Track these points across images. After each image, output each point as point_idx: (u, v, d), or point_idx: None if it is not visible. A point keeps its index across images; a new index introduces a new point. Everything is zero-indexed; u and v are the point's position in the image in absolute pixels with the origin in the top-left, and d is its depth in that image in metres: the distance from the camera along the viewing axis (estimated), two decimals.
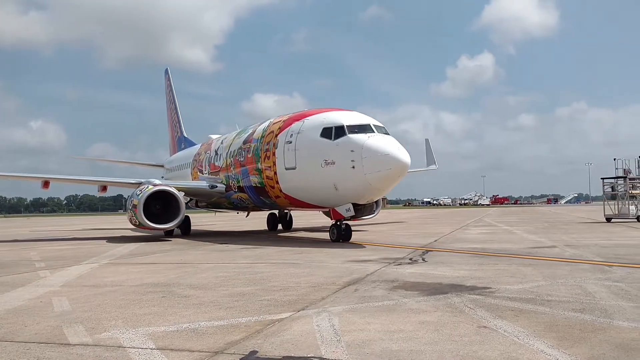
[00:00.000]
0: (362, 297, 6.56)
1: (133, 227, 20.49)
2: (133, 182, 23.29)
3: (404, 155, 14.66)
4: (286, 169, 16.92)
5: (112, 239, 21.28)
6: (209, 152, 25.31)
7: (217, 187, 22.58)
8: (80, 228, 35.16)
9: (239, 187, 20.97)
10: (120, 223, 45.28)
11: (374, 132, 15.34)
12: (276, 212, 25.81)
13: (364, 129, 15.50)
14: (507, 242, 15.18)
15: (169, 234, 21.66)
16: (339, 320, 5.27)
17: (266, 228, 26.39)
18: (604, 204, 29.54)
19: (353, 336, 4.65)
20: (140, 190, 19.70)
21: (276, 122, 18.90)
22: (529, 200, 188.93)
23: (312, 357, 4.08)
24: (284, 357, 4.10)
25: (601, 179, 30.07)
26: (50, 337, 4.91)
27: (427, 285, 7.45)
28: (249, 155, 19.69)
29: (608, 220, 27.21)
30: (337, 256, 11.78)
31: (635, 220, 26.43)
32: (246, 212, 26.68)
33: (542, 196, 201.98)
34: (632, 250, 11.85)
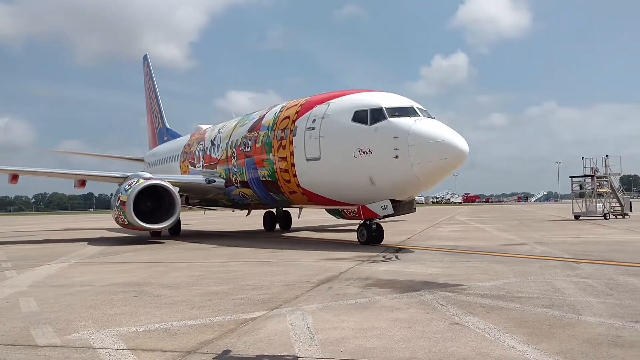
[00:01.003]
0: (336, 295, 6.57)
1: (119, 226, 18.04)
2: (118, 175, 20.68)
3: (462, 143, 12.23)
4: (307, 159, 14.47)
5: (82, 239, 20.88)
6: (202, 142, 22.53)
7: (215, 181, 19.98)
8: (50, 228, 34.44)
9: (242, 181, 18.44)
10: (91, 222, 44.52)
11: (418, 115, 13.04)
12: (273, 210, 23.67)
13: (406, 111, 13.17)
14: (479, 239, 15.38)
15: (156, 235, 19.48)
16: (313, 319, 5.27)
17: (262, 228, 24.35)
18: (572, 202, 30.20)
19: (327, 334, 4.66)
20: (129, 185, 17.17)
21: (291, 106, 16.39)
22: (500, 199, 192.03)
23: (286, 355, 4.07)
24: (257, 356, 4.08)
25: (570, 177, 30.81)
26: (17, 338, 4.79)
27: (400, 282, 7.51)
28: (257, 145, 17.15)
29: (576, 218, 27.82)
30: (311, 254, 11.78)
31: (602, 217, 27.07)
32: (247, 211, 23.51)
33: (512, 194, 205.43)
34: (599, 247, 12.13)
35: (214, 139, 21.31)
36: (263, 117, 17.83)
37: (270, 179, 16.55)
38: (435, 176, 12.70)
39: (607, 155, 29.02)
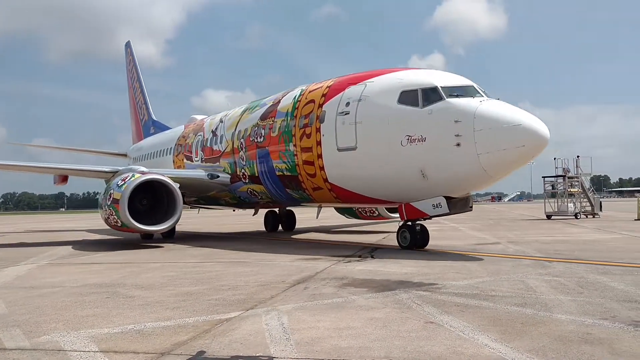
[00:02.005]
0: (312, 295, 6.56)
1: (109, 228, 15.85)
2: (107, 170, 18.70)
3: (542, 127, 10.28)
4: (339, 149, 12.46)
5: (54, 239, 20.48)
6: (200, 133, 20.07)
7: (218, 177, 17.64)
8: (22, 229, 33.73)
9: (251, 176, 16.24)
10: (63, 222, 43.72)
11: (482, 95, 11.19)
12: (276, 209, 21.86)
13: (466, 91, 11.27)
14: (454, 239, 15.53)
15: (148, 237, 17.60)
16: (289, 319, 5.25)
17: (257, 228, 23.06)
18: (544, 201, 30.72)
19: (302, 334, 4.65)
20: (123, 180, 14.92)
21: (316, 89, 14.27)
22: (474, 198, 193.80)
23: (261, 356, 4.05)
24: (232, 356, 4.05)
25: (542, 177, 31.30)
26: None
27: (375, 282, 7.53)
28: (273, 134, 15.01)
29: (548, 217, 28.30)
30: (287, 254, 11.75)
31: (574, 217, 27.59)
32: (253, 210, 21.44)
33: (486, 194, 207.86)
34: (570, 246, 12.36)
35: (216, 129, 18.89)
36: (278, 102, 15.69)
37: (288, 173, 14.50)
38: (506, 168, 10.76)
39: (578, 156, 29.61)
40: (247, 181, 16.68)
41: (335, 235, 18.19)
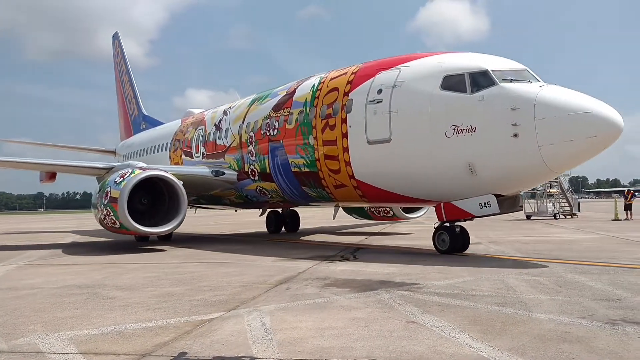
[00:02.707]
0: (294, 296, 6.56)
1: (101, 229, 14.70)
2: (101, 166, 17.28)
3: (616, 115, 9.11)
4: (370, 142, 11.27)
5: (34, 240, 20.17)
6: (201, 127, 18.55)
7: (224, 174, 16.20)
8: (0, 230, 33.18)
9: (262, 173, 14.93)
10: (43, 222, 43.08)
11: (538, 80, 10.04)
12: (279, 209, 20.59)
13: (521, 76, 10.13)
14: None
15: (143, 240, 16.21)
16: (271, 319, 5.25)
17: (257, 229, 21.88)
18: (524, 202, 31.07)
19: (285, 334, 4.65)
20: (121, 177, 13.56)
21: (338, 76, 12.99)
22: None
23: (243, 356, 4.04)
24: (214, 357, 4.04)
25: None
26: None
27: (357, 282, 7.56)
28: (289, 127, 13.72)
29: (528, 217, 28.62)
30: (269, 255, 11.73)
31: (553, 217, 27.96)
32: (259, 210, 20.04)
33: None
34: (549, 246, 12.52)
35: (219, 122, 17.42)
36: (293, 91, 14.38)
37: (306, 169, 13.22)
38: (572, 161, 9.75)
39: None
40: (256, 178, 15.32)
41: (346, 237, 17.49)
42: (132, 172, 13.70)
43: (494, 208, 10.05)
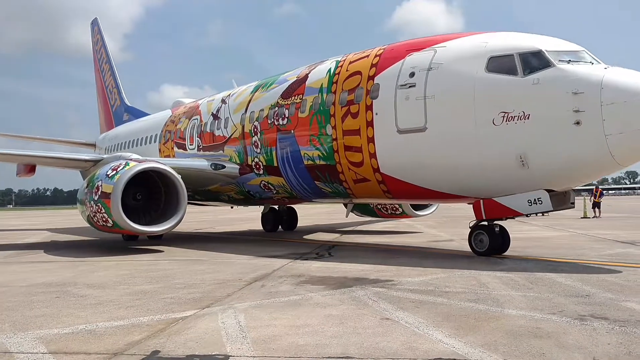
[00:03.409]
0: (269, 293, 6.54)
1: (94, 229, 13.13)
2: (87, 158, 16.07)
3: None
4: (400, 131, 10.16)
5: (3, 238, 19.71)
6: (196, 117, 17.13)
7: (224, 167, 14.96)
8: None
9: (268, 166, 13.74)
10: (13, 219, 42.12)
11: (599, 62, 9.02)
12: (276, 206, 19.40)
13: (579, 57, 9.06)
14: (409, 236, 15.76)
15: (131, 239, 15.03)
16: (245, 317, 5.22)
17: (251, 227, 20.87)
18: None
19: (259, 332, 4.63)
20: (114, 170, 12.28)
21: (359, 59, 11.87)
22: None
23: (217, 355, 4.01)
24: (187, 356, 4.00)
25: None
26: None
27: (333, 279, 7.57)
28: (302, 115, 12.53)
29: None
30: (243, 252, 11.67)
31: (526, 215, 28.38)
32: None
33: None
34: (521, 243, 12.72)
35: (217, 111, 16.16)
36: (305, 76, 13.16)
37: (322, 162, 12.04)
38: None
39: None
40: (261, 172, 14.13)
41: (379, 237, 16.96)
42: (126, 164, 12.44)
43: (546, 205, 9.07)
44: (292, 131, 12.78)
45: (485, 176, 9.49)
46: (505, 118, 8.92)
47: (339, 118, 11.50)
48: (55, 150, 27.01)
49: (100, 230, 12.86)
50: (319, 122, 12.02)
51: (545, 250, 11.00)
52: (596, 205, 26.93)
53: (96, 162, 15.19)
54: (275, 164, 13.45)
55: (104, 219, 12.10)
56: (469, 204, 10.43)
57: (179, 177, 12.80)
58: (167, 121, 19.36)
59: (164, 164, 13.21)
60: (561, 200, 9.43)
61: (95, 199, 12.12)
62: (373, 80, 10.98)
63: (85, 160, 16.15)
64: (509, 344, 4.13)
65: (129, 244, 14.49)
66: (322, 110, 11.98)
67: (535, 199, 9.14)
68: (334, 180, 12.06)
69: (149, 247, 13.59)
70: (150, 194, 13.42)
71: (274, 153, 13.42)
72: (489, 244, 9.90)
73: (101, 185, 12.12)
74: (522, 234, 16.16)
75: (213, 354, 4.03)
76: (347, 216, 17.13)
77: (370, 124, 10.82)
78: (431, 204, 17.06)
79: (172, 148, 18.06)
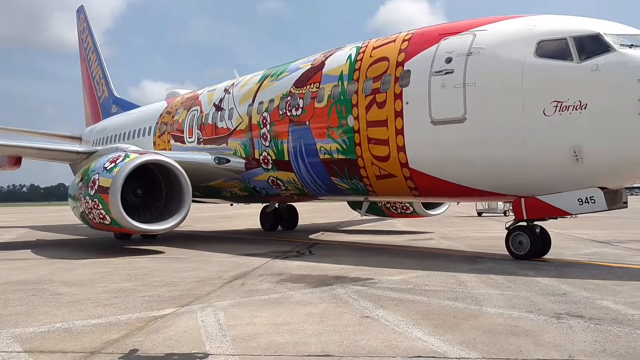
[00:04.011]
0: (249, 291, 6.52)
1: (87, 226, 12.22)
2: (80, 150, 15.12)
3: None
4: (435, 122, 9.37)
5: None
6: (196, 108, 16.17)
7: (228, 162, 14.01)
8: None
9: (278, 160, 12.88)
10: None
11: None
12: (276, 204, 18.38)
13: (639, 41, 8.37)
14: (389, 234, 15.83)
15: (124, 238, 14.16)
16: (225, 315, 5.20)
17: (250, 226, 19.93)
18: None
19: (239, 330, 4.61)
20: (113, 162, 11.31)
21: (384, 44, 11.02)
22: None
23: (196, 353, 3.98)
24: (166, 354, 3.97)
25: None
26: None
27: (313, 277, 7.57)
28: (319, 105, 11.66)
29: (479, 214, 29.32)
30: (223, 250, 11.61)
31: (503, 214, 28.72)
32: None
33: None
34: (500, 242, 12.80)
35: (220, 101, 15.26)
36: (322, 63, 12.26)
37: (341, 156, 11.19)
38: None
39: None
40: (269, 167, 13.23)
41: (359, 235, 16.69)
42: (126, 156, 11.49)
43: (600, 204, 8.30)
44: (307, 122, 11.94)
45: (531, 172, 8.70)
46: (558, 108, 8.18)
47: (363, 108, 10.66)
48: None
49: (95, 228, 12.00)
50: (338, 112, 11.17)
51: None
52: None
53: (89, 155, 14.36)
54: (286, 158, 12.60)
55: (100, 216, 11.12)
56: (505, 202, 10.00)
57: (183, 171, 11.83)
58: (163, 112, 18.28)
59: (167, 157, 12.24)
60: (613, 199, 8.64)
61: (92, 194, 11.13)
62: (402, 67, 10.13)
63: (78, 152, 15.17)
64: (487, 342, 4.17)
65: (123, 243, 13.77)
66: (343, 99, 11.12)
67: (587, 198, 8.37)
68: (354, 176, 11.20)
69: (130, 246, 13.45)
70: (149, 190, 12.46)
71: (285, 146, 12.57)
72: (531, 246, 9.18)
73: (98, 179, 11.10)
74: (501, 233, 16.32)
75: (192, 352, 4.01)
76: (362, 215, 16.17)
77: (399, 114, 9.97)
78: (443, 203, 16.46)
79: (169, 141, 17.06)
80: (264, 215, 19.10)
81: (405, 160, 9.97)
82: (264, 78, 14.12)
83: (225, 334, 4.49)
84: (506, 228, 9.64)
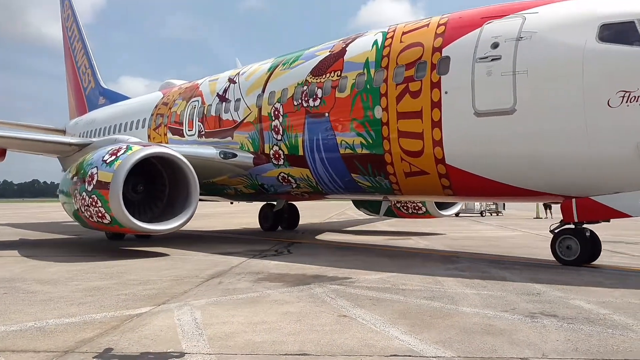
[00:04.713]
0: (226, 290, 6.49)
1: (81, 224, 11.26)
2: (73, 142, 14.08)
3: None
4: (479, 113, 8.51)
5: None
6: (197, 99, 15.15)
7: (235, 156, 13.02)
8: None
9: (291, 155, 11.95)
10: None
11: None
12: (274, 202, 17.29)
13: None
14: (367, 233, 15.89)
15: (117, 238, 13.31)
16: (202, 314, 5.16)
17: (247, 226, 19.05)
18: None
19: (216, 329, 4.58)
20: (113, 155, 10.27)
21: (416, 29, 10.15)
22: None
23: (172, 352, 3.95)
24: (142, 353, 3.92)
25: None
26: None
27: (291, 276, 7.56)
28: (341, 94, 10.74)
29: (456, 215, 29.55)
30: (201, 248, 11.54)
31: (479, 215, 29.09)
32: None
33: None
34: (476, 242, 13.01)
35: (224, 92, 14.23)
36: (343, 50, 11.34)
37: (364, 151, 10.33)
38: None
39: None
40: (281, 162, 12.30)
41: (362, 236, 16.36)
42: (128, 148, 10.46)
43: None
44: (327, 114, 11.00)
45: (589, 170, 7.91)
46: (625, 98, 7.37)
47: (393, 98, 9.74)
48: None
49: (91, 227, 10.96)
50: (364, 102, 10.26)
51: (499, 249, 11.28)
52: (548, 206, 27.73)
53: (83, 147, 13.34)
54: (301, 153, 11.66)
55: (99, 214, 10.04)
56: (553, 203, 9.13)
57: (190, 166, 10.80)
58: (158, 104, 17.16)
59: (171, 149, 11.30)
60: None
61: (89, 189, 10.05)
62: (440, 53, 9.27)
63: (70, 144, 14.07)
64: (462, 341, 4.22)
65: (116, 243, 12.84)
66: (369, 88, 10.20)
67: None
68: (378, 172, 10.30)
69: (111, 244, 13.27)
70: (148, 186, 11.46)
71: (299, 140, 11.63)
72: (581, 251, 8.44)
73: (97, 173, 10.05)
74: (477, 233, 16.53)
75: (168, 351, 3.97)
76: (381, 215, 15.61)
77: (436, 104, 9.10)
78: (456, 203, 15.72)
79: (165, 134, 15.95)
80: (263, 215, 18.33)
81: (441, 155, 9.11)
82: (274, 66, 13.11)
83: (202, 333, 4.46)
84: (551, 231, 8.88)
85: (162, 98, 17.35)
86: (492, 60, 8.47)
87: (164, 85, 19.40)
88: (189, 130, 15.04)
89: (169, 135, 15.85)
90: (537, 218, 25.97)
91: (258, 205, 18.97)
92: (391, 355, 3.87)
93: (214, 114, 14.23)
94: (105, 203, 9.82)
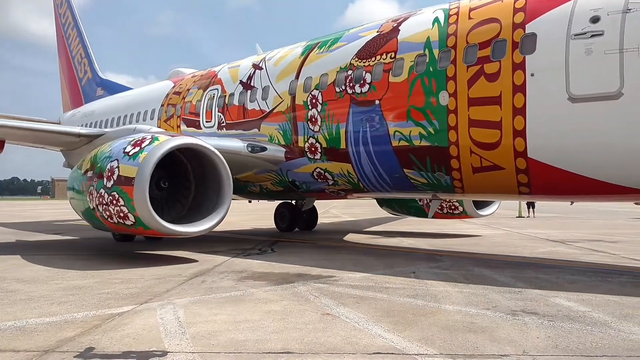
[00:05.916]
0: (209, 289, 6.46)
1: (94, 226, 10.04)
2: (83, 132, 12.51)
3: None
4: (574, 98, 7.35)
5: None
6: (216, 87, 13.84)
7: (265, 150, 11.76)
8: None
9: (330, 149, 10.77)
10: None
11: None
12: (292, 202, 16.42)
13: None
14: (351, 232, 15.93)
15: (126, 240, 12.10)
16: (185, 313, 5.14)
17: (273, 227, 17.06)
18: None
19: (199, 328, 4.56)
20: (136, 146, 9.01)
21: (489, 3, 8.83)
22: None
23: (155, 351, 3.92)
24: (124, 352, 3.90)
25: None
26: None
27: (275, 275, 7.56)
28: (396, 79, 9.53)
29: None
30: (184, 247, 11.47)
31: None
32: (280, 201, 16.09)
33: None
34: (459, 241, 13.11)
35: (249, 79, 12.92)
36: (395, 29, 10.11)
37: (426, 143, 9.10)
38: None
39: None
40: (317, 157, 11.10)
41: (383, 238, 15.24)
42: (154, 138, 9.15)
43: None
44: (377, 102, 9.80)
45: None
46: None
47: (463, 82, 8.57)
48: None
49: (108, 228, 9.77)
50: (425, 87, 9.06)
51: (482, 248, 11.37)
52: (531, 205, 28.00)
53: (93, 138, 12.13)
54: (342, 146, 10.48)
55: (120, 214, 8.70)
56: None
57: (224, 160, 9.54)
58: (169, 93, 15.80)
59: (203, 140, 9.92)
60: None
61: (109, 185, 8.71)
62: (524, 29, 8.05)
63: (79, 135, 12.46)
64: (445, 338, 4.25)
65: (123, 245, 11.75)
66: (432, 71, 9.01)
67: None
68: (439, 167, 9.14)
69: (91, 243, 13.13)
70: (176, 182, 10.29)
71: (342, 131, 10.43)
72: None
73: (117, 167, 8.73)
74: (460, 232, 16.64)
75: (151, 350, 3.95)
76: (430, 216, 14.56)
77: (519, 88, 7.93)
78: (494, 202, 14.82)
79: (178, 126, 14.65)
80: (279, 215, 16.84)
81: (523, 147, 7.93)
82: (308, 49, 11.89)
83: (185, 332, 4.44)
84: None
85: (174, 87, 16.02)
86: (592, 36, 7.32)
87: (172, 73, 18.25)
88: (206, 122, 13.76)
89: (183, 127, 14.57)
90: (519, 217, 26.22)
91: (264, 204, 17.99)
92: (374, 353, 3.89)
93: (237, 104, 13.00)
94: (129, 202, 8.51)
